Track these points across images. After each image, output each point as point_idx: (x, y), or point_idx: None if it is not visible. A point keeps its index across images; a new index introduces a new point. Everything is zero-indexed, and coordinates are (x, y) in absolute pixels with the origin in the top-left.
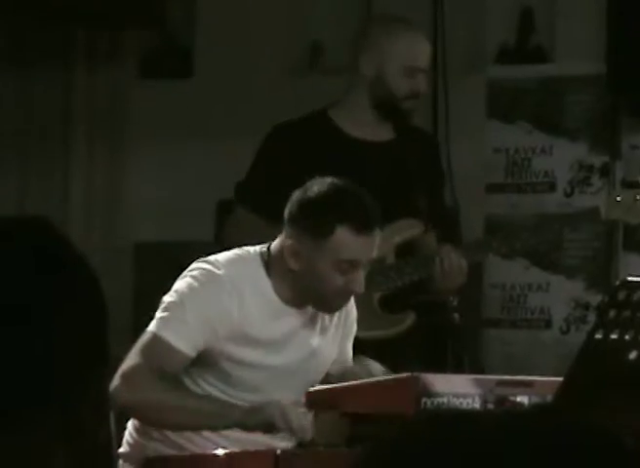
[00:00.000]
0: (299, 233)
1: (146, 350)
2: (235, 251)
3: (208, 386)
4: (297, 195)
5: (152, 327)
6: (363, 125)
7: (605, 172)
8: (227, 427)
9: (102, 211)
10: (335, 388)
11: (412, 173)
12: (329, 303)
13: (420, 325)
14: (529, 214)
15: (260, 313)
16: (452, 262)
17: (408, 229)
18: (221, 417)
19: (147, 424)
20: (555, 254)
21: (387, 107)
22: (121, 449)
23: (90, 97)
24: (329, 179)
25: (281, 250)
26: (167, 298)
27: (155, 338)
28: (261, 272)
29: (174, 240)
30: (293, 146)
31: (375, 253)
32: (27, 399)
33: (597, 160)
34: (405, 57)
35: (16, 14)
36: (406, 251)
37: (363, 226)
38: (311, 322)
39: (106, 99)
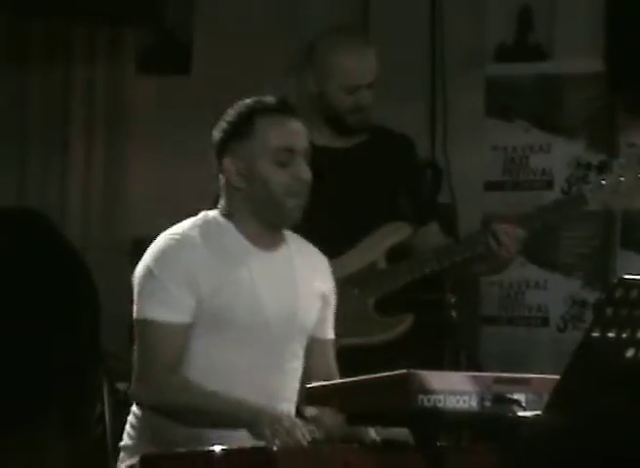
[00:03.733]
0: (228, 149)
1: (143, 341)
2: (195, 217)
3: (201, 343)
4: (216, 125)
5: (135, 313)
6: (326, 133)
7: (603, 169)
8: (237, 427)
9: (101, 207)
10: (332, 385)
11: (389, 174)
12: (285, 207)
13: (416, 322)
14: (527, 212)
15: (235, 257)
16: (507, 230)
17: (396, 232)
18: (229, 416)
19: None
20: (552, 252)
21: (334, 122)
22: (122, 443)
23: (88, 93)
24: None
25: (225, 192)
26: (137, 278)
27: (144, 323)
28: (225, 222)
29: None
30: None
31: (305, 144)
32: (25, 395)
33: (595, 158)
34: (345, 75)
35: (14, 11)
36: (396, 253)
37: (280, 108)
38: (288, 263)
39: (105, 96)
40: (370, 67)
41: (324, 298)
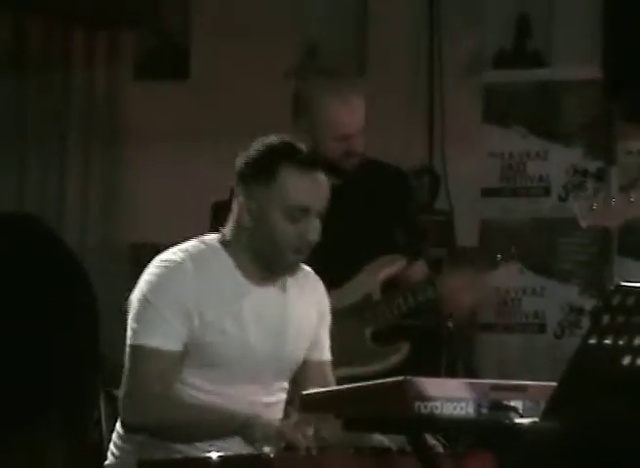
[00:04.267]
0: (247, 187)
1: (133, 366)
2: (192, 240)
3: (188, 376)
4: (240, 156)
5: (129, 339)
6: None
7: (600, 176)
8: (228, 436)
9: (98, 212)
10: (328, 392)
11: (383, 206)
12: (284, 259)
13: (413, 329)
14: (524, 219)
15: (225, 291)
16: (454, 282)
17: (391, 264)
18: (221, 428)
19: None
20: (550, 259)
21: (328, 167)
22: (106, 462)
23: (86, 97)
24: (261, 138)
25: (232, 224)
26: (133, 303)
27: (137, 349)
28: (222, 253)
29: (169, 241)
30: None
31: (324, 203)
32: (25, 401)
33: (592, 165)
34: (334, 126)
35: (13, 15)
36: (391, 285)
37: (306, 163)
38: (281, 296)
39: (103, 100)
40: (358, 117)
41: (318, 322)
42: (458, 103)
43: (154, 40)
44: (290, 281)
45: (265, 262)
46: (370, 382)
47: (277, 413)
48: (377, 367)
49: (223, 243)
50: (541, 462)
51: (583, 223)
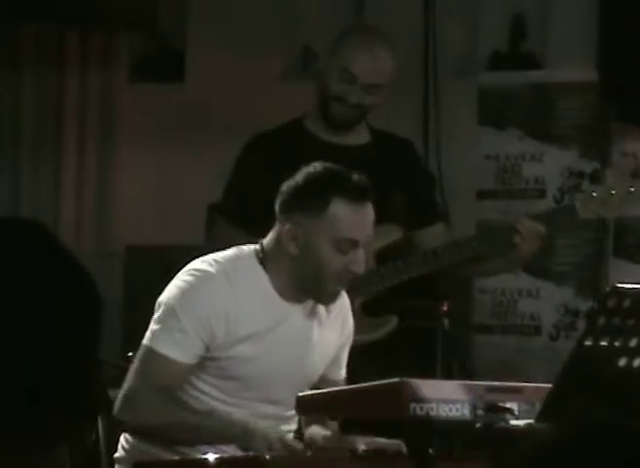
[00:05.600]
0: (295, 216)
1: (144, 366)
2: (231, 249)
3: (206, 386)
4: (287, 184)
5: (147, 340)
6: (336, 130)
7: (595, 178)
8: (226, 443)
9: (93, 214)
10: (324, 394)
11: (389, 175)
12: (326, 289)
13: (409, 330)
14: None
15: (257, 307)
16: (530, 228)
17: (387, 234)
18: (219, 434)
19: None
20: (545, 260)
21: (322, 108)
22: (116, 454)
23: (81, 100)
24: (316, 164)
25: (274, 244)
26: (160, 306)
27: (151, 353)
28: (257, 267)
29: (164, 243)
30: (269, 157)
31: (371, 234)
32: (25, 401)
33: (587, 166)
34: (344, 60)
35: (8, 16)
36: (386, 255)
37: (358, 197)
38: (310, 318)
39: (98, 102)
40: (374, 65)
41: (341, 343)
42: (453, 105)
43: (149, 42)
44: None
45: (305, 288)
46: (366, 384)
47: (291, 426)
48: (363, 337)
49: (262, 259)
50: (537, 464)
51: (582, 213)
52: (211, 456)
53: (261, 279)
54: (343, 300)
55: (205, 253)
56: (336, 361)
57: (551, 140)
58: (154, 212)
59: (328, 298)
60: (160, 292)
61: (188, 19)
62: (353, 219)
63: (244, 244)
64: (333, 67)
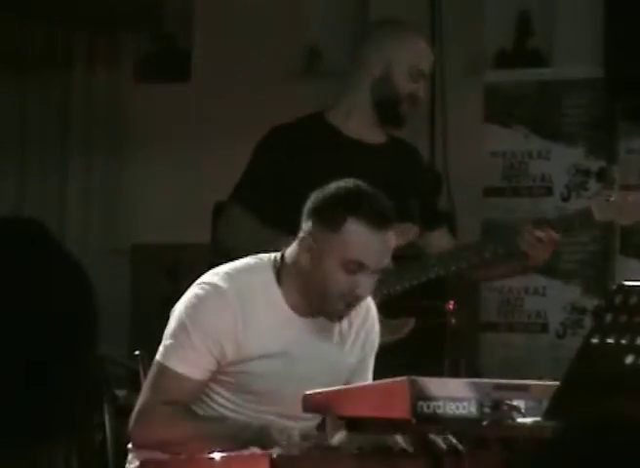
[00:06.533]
0: (313, 226)
1: (156, 383)
2: (247, 259)
3: (221, 399)
4: (315, 192)
5: (159, 356)
6: (360, 126)
7: (602, 176)
8: (243, 447)
9: (100, 213)
10: (331, 392)
11: (403, 176)
12: (331, 306)
13: (417, 328)
14: (526, 218)
15: (270, 324)
16: (540, 233)
17: (403, 234)
18: (235, 439)
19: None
20: (552, 258)
21: (388, 108)
22: (130, 444)
23: (87, 99)
24: (350, 180)
25: (294, 256)
26: (172, 319)
27: (163, 369)
28: (272, 281)
29: (171, 242)
30: (290, 147)
31: (385, 261)
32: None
33: (594, 164)
34: (412, 58)
35: (13, 17)
36: (402, 255)
37: (375, 222)
38: (325, 331)
39: (104, 102)
40: (431, 57)
41: (365, 352)
42: (459, 103)
43: (155, 43)
44: None
45: (311, 301)
46: (372, 382)
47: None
48: (384, 339)
49: (279, 270)
50: (544, 461)
51: (598, 216)
52: (217, 455)
53: (275, 295)
54: (368, 310)
55: (217, 249)
56: (360, 369)
57: (558, 138)
58: (160, 210)
59: (333, 316)
60: (167, 291)
61: (194, 20)
62: (366, 242)
63: (265, 248)
64: (399, 70)
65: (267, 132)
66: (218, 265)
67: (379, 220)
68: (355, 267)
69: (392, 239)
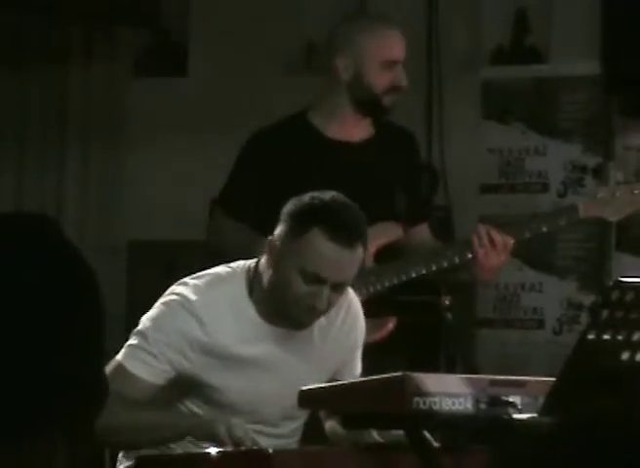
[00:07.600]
0: (281, 230)
1: (112, 378)
2: (220, 269)
3: (194, 407)
4: (294, 199)
5: (120, 354)
6: (342, 126)
7: (598, 172)
8: (181, 437)
9: (97, 209)
10: (326, 387)
11: (390, 171)
12: (291, 314)
13: (412, 324)
14: (522, 215)
15: (240, 335)
16: (495, 238)
17: (386, 233)
18: (175, 427)
19: (113, 448)
20: (548, 255)
21: (368, 105)
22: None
23: (85, 95)
24: (330, 192)
25: (264, 262)
26: (140, 322)
27: (119, 367)
28: (244, 292)
29: (167, 238)
30: (272, 151)
31: (346, 277)
32: (28, 402)
33: (591, 161)
34: (381, 52)
35: (11, 12)
36: (385, 254)
37: (340, 237)
38: (301, 338)
39: (101, 97)
40: (402, 43)
41: (349, 351)
42: (456, 100)
43: (153, 37)
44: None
45: (277, 311)
46: (368, 378)
47: (288, 443)
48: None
49: (252, 279)
50: (540, 458)
51: (583, 213)
52: (213, 450)
53: (245, 306)
54: (348, 309)
55: (210, 249)
56: (346, 366)
57: (555, 134)
58: (157, 206)
59: (295, 324)
60: (163, 288)
61: (191, 14)
62: (325, 256)
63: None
64: (371, 65)
65: (250, 136)
66: (212, 266)
67: (344, 236)
68: (312, 278)
69: (358, 256)
